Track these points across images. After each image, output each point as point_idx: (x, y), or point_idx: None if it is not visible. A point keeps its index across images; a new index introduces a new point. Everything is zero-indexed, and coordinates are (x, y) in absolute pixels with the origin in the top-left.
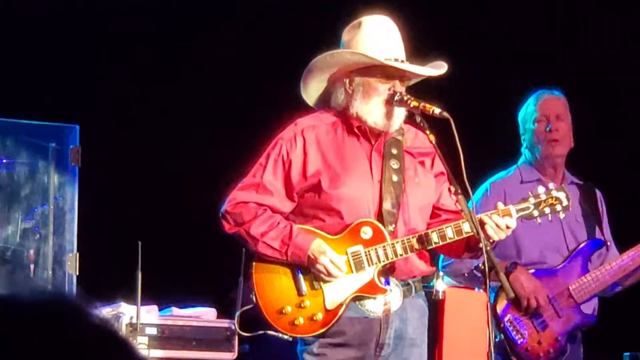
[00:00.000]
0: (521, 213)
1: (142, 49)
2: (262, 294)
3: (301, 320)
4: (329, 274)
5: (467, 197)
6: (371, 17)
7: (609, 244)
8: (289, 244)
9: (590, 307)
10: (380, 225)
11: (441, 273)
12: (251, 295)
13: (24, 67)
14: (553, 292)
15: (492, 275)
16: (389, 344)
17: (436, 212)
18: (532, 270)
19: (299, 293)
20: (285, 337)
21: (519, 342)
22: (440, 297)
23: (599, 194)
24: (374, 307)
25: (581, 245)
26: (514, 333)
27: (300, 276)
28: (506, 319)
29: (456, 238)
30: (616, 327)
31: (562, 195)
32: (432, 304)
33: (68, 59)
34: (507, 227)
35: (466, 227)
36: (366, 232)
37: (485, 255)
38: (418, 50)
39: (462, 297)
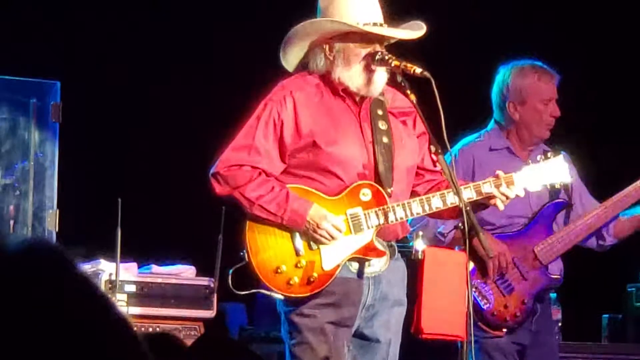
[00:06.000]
0: (523, 182)
1: (125, 4)
2: (255, 252)
3: (296, 279)
4: (332, 238)
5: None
6: None
7: (573, 204)
8: (286, 208)
9: (556, 269)
10: (379, 187)
11: (420, 233)
12: (241, 254)
13: (4, 22)
14: (518, 255)
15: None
16: (374, 304)
17: (420, 173)
18: (497, 233)
19: (296, 253)
20: (278, 296)
21: (485, 307)
22: (420, 257)
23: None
24: (362, 267)
25: (544, 207)
26: (479, 298)
27: (298, 236)
28: (471, 284)
29: (456, 203)
30: (595, 289)
31: (561, 163)
32: (412, 264)
33: (49, 13)
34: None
35: (468, 193)
36: (365, 194)
37: (464, 216)
38: (396, 10)
39: (441, 257)
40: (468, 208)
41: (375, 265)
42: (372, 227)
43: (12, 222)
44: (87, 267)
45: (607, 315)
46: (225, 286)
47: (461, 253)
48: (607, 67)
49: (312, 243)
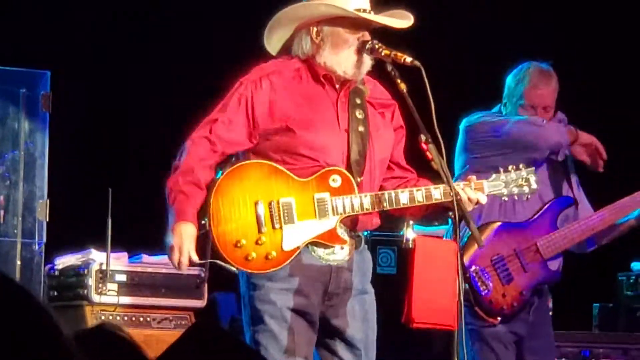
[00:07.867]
0: (492, 189)
1: None
2: (217, 222)
3: (254, 255)
4: (170, 259)
5: (438, 147)
6: None
7: (579, 202)
8: (176, 199)
9: (555, 264)
10: (350, 175)
11: (411, 222)
12: (202, 222)
13: None
14: (520, 246)
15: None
16: (338, 293)
17: (390, 167)
18: (500, 223)
19: (259, 229)
20: (233, 269)
21: (483, 293)
22: (410, 246)
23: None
24: (326, 255)
25: (551, 202)
26: (479, 284)
27: (263, 212)
28: (472, 269)
29: (425, 203)
30: (586, 278)
31: (531, 177)
32: (403, 253)
33: (39, 3)
34: (477, 203)
35: (436, 194)
36: (335, 180)
37: (455, 205)
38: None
39: (432, 246)
40: (459, 197)
41: (339, 254)
42: (337, 214)
43: (2, 212)
44: (77, 257)
45: (597, 304)
46: (217, 276)
47: (452, 242)
48: (607, 68)
49: (276, 222)
